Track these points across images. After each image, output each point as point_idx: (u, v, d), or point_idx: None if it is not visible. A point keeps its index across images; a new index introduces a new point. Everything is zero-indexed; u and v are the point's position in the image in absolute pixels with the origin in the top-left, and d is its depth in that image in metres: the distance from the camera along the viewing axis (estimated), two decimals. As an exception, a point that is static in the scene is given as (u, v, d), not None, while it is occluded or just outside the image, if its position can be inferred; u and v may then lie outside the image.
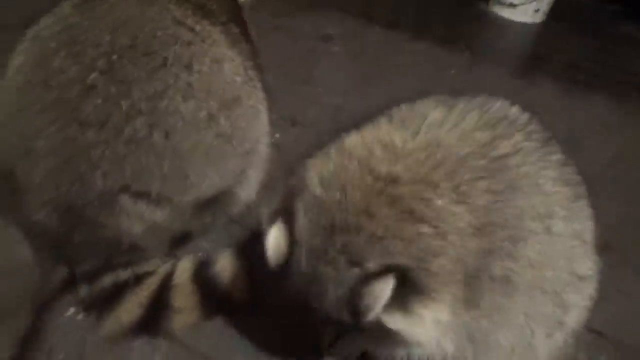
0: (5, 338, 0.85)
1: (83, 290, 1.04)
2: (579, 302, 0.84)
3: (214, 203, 1.11)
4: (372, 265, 0.71)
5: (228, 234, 1.22)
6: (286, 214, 0.77)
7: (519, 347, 0.82)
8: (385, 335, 0.76)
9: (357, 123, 0.88)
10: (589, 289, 0.85)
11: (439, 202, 0.73)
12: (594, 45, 2.19)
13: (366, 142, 0.80)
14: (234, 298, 1.07)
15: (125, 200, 0.98)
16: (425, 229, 0.72)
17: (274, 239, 0.77)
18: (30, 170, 0.97)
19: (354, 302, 0.71)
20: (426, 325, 0.74)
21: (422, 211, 0.72)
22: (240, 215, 1.22)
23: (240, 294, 1.07)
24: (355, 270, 0.71)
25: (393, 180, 0.74)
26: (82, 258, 1.03)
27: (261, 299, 1.08)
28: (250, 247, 1.17)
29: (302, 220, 0.75)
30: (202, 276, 1.06)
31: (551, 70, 1.86)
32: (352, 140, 0.81)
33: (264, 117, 1.17)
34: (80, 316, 1.05)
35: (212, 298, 1.05)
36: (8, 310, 0.84)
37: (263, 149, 1.18)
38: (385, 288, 0.70)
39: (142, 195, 0.99)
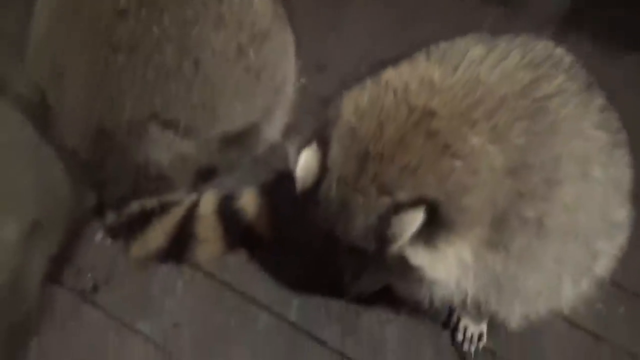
0: (38, 254, 0.88)
1: (110, 218, 1.07)
2: (609, 250, 0.84)
3: (240, 139, 1.11)
4: (403, 195, 0.71)
5: (252, 174, 1.22)
6: (320, 141, 0.77)
7: (544, 291, 0.82)
8: (407, 270, 0.77)
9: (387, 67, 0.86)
10: (621, 238, 0.84)
11: (475, 139, 0.72)
12: (634, 2, 2.09)
13: (403, 76, 0.78)
14: (257, 233, 1.09)
15: (153, 128, 0.99)
16: (458, 164, 0.71)
17: (306, 161, 0.76)
18: (61, 93, 0.98)
19: (382, 230, 0.71)
20: (448, 263, 0.75)
21: (457, 147, 0.71)
22: (264, 156, 1.23)
23: (263, 229, 1.09)
24: (386, 199, 0.71)
25: (429, 113, 0.73)
26: (111, 184, 1.05)
27: (284, 236, 1.10)
28: (274, 186, 1.19)
29: (335, 148, 0.75)
30: (226, 209, 1.07)
31: (589, 27, 1.78)
32: (389, 73, 0.80)
33: (292, 55, 1.15)
34: (108, 241, 1.09)
35: (235, 231, 1.07)
36: (42, 227, 0.87)
37: (290, 88, 1.17)
38: (414, 219, 0.70)
39: (170, 124, 0.99)
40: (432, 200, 0.70)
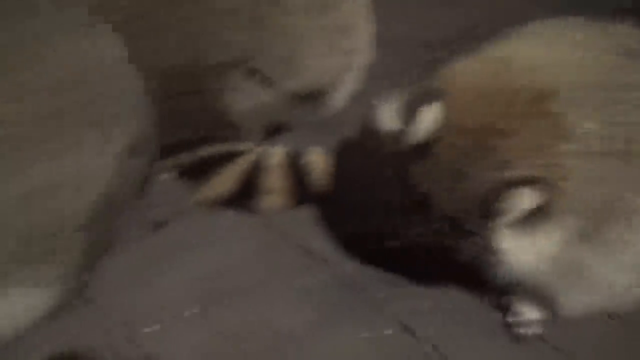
0: (131, 178, 0.90)
1: (182, 157, 1.11)
2: None
3: (311, 97, 1.13)
4: (518, 172, 0.71)
5: (317, 135, 1.23)
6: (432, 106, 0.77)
7: (618, 286, 0.80)
8: (488, 252, 0.76)
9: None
10: None
11: (588, 124, 0.73)
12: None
13: (504, 53, 0.80)
14: (320, 190, 1.10)
15: (236, 75, 1.01)
16: (569, 147, 0.71)
17: (426, 114, 0.76)
18: (148, 31, 1.00)
19: (491, 202, 0.71)
20: (536, 249, 0.74)
21: (572, 130, 0.72)
22: (330, 120, 1.23)
23: (327, 188, 1.10)
24: (499, 173, 0.72)
25: (543, 93, 0.74)
26: (186, 124, 1.08)
27: (347, 199, 1.10)
28: (341, 148, 1.19)
29: (444, 120, 0.76)
30: (293, 163, 1.10)
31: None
32: (489, 51, 0.81)
33: (369, 22, 1.16)
34: (176, 180, 1.12)
35: (300, 187, 1.09)
36: (135, 153, 0.87)
37: (364, 54, 1.18)
38: (526, 197, 0.70)
39: (251, 72, 1.02)
40: (541, 181, 0.70)
